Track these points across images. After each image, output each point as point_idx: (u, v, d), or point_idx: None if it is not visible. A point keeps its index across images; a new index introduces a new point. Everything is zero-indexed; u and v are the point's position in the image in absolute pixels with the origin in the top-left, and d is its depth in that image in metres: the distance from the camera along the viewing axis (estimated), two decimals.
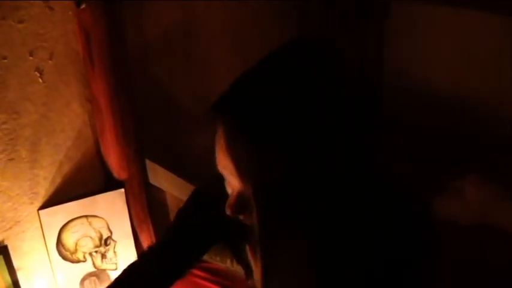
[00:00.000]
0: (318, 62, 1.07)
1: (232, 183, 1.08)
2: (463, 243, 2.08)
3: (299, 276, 1.08)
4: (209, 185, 1.38)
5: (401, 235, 1.10)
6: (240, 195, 1.07)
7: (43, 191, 1.85)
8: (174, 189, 2.13)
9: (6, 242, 1.78)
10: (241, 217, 1.11)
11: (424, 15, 2.61)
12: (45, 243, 1.87)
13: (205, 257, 2.07)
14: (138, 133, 1.94)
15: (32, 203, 1.82)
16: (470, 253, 2.06)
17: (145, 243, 2.05)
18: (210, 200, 1.34)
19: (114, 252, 1.97)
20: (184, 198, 2.12)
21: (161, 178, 2.07)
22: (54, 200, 1.87)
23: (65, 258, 1.90)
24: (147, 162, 2.02)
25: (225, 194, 1.15)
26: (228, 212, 1.10)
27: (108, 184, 2.00)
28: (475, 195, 2.28)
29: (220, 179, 1.15)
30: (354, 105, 1.07)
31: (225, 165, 1.05)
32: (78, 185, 1.93)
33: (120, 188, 1.97)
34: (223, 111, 1.04)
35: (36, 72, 1.76)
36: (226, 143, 1.02)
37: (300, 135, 0.98)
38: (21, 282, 1.82)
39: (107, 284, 1.83)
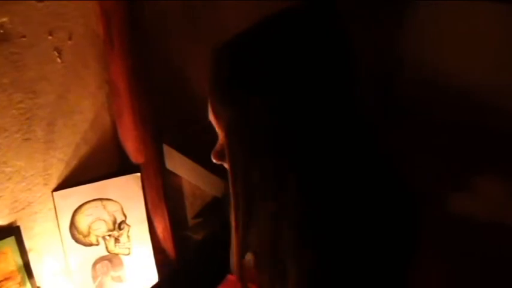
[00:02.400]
0: (311, 23, 1.04)
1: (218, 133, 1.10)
2: (477, 239, 2.03)
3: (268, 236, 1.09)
4: None
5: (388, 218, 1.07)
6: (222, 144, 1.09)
7: (58, 173, 1.79)
8: (190, 176, 2.07)
9: (18, 223, 1.72)
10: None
11: (442, 7, 2.54)
12: (58, 226, 1.82)
13: None
14: (156, 117, 1.87)
15: (46, 184, 1.76)
16: (485, 250, 2.01)
17: (160, 229, 1.99)
18: None
19: (128, 236, 1.91)
20: (200, 184, 2.07)
21: (178, 164, 2.01)
22: (69, 182, 1.82)
23: (77, 241, 1.85)
24: (164, 147, 1.95)
25: None
26: (212, 157, 1.14)
27: (124, 168, 1.93)
28: (489, 193, 2.22)
29: None
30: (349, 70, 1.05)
31: (210, 114, 1.09)
32: (93, 167, 1.87)
33: (136, 172, 1.90)
34: (213, 58, 1.06)
35: (54, 52, 1.69)
36: (209, 89, 1.05)
37: (278, 89, 0.99)
38: (32, 264, 1.76)
39: (119, 268, 1.79)
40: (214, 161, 1.15)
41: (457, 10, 2.47)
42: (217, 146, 1.13)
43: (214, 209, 2.26)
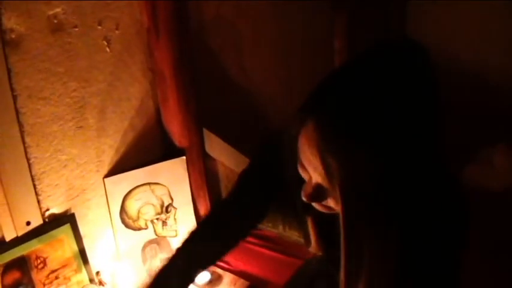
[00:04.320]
0: (411, 64, 1.00)
1: (314, 177, 1.03)
2: (492, 207, 2.08)
3: (382, 275, 1.05)
4: (271, 149, 1.32)
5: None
6: (318, 186, 1.04)
7: (108, 159, 1.79)
8: (227, 159, 2.08)
9: (73, 210, 1.71)
10: (315, 204, 1.09)
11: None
12: (109, 211, 1.80)
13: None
14: (198, 103, 1.88)
15: (98, 171, 1.76)
16: (499, 216, 2.06)
17: (202, 210, 2.00)
18: (273, 164, 1.30)
19: (175, 219, 1.92)
20: (236, 168, 2.08)
21: (216, 147, 2.02)
22: (118, 168, 1.82)
23: (127, 226, 1.84)
24: (204, 131, 1.95)
25: (287, 159, 1.12)
26: (304, 198, 1.07)
27: (167, 152, 1.93)
28: (503, 163, 2.28)
29: (281, 143, 1.15)
30: (439, 106, 1.02)
31: (310, 161, 1.01)
32: (139, 153, 1.88)
33: (179, 156, 1.90)
34: (318, 111, 0.98)
35: (104, 42, 1.68)
36: (319, 142, 0.96)
37: (396, 139, 0.94)
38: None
39: (167, 250, 1.78)
40: (305, 200, 1.08)
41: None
42: (309, 188, 1.06)
43: None
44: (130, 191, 1.82)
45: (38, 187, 1.61)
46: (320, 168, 0.98)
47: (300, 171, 1.07)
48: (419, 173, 0.98)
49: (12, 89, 1.47)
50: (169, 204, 1.90)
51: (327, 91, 0.99)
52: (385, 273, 1.04)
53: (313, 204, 1.10)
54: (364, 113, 0.93)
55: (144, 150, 1.88)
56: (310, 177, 1.05)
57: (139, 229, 1.87)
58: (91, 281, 1.74)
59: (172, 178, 1.89)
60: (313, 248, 1.28)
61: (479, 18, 2.57)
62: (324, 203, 1.07)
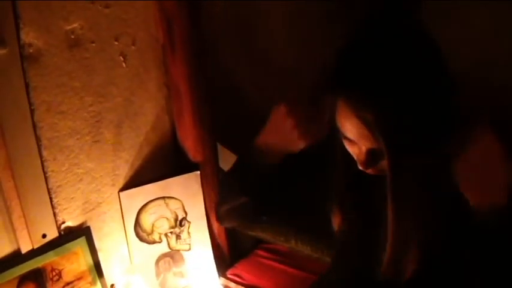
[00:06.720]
0: (409, 32, 1.08)
1: (362, 144, 1.09)
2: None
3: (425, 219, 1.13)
4: None
5: None
6: (369, 152, 1.09)
7: (124, 173, 1.76)
8: None
9: (88, 223, 1.68)
10: (370, 170, 1.14)
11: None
12: (124, 225, 1.76)
13: (270, 239, 1.99)
14: (213, 118, 1.85)
15: (113, 185, 1.73)
16: None
17: (215, 224, 1.95)
18: None
19: (188, 233, 1.88)
20: None
21: (229, 163, 1.97)
22: (133, 182, 1.79)
23: (141, 239, 1.81)
24: (218, 146, 1.92)
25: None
26: (361, 167, 1.13)
27: (180, 167, 1.90)
28: None
29: None
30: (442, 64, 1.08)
31: (352, 131, 1.08)
32: (154, 167, 1.84)
33: (193, 170, 1.86)
34: (345, 85, 1.06)
35: (120, 57, 1.66)
36: (355, 112, 1.04)
37: (410, 90, 1.02)
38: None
39: (181, 264, 1.75)
40: (364, 169, 1.14)
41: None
42: (361, 157, 1.12)
43: None
44: (144, 205, 1.79)
45: (54, 200, 1.57)
46: (362, 129, 1.05)
47: (348, 147, 1.15)
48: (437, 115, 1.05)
49: (30, 103, 1.44)
50: (183, 218, 1.86)
51: (345, 68, 1.07)
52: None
53: (368, 171, 1.14)
54: (380, 76, 1.01)
55: (159, 164, 1.85)
56: (359, 148, 1.11)
57: (153, 242, 1.83)
58: None
59: (187, 192, 1.85)
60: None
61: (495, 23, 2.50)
62: (378, 166, 1.11)
